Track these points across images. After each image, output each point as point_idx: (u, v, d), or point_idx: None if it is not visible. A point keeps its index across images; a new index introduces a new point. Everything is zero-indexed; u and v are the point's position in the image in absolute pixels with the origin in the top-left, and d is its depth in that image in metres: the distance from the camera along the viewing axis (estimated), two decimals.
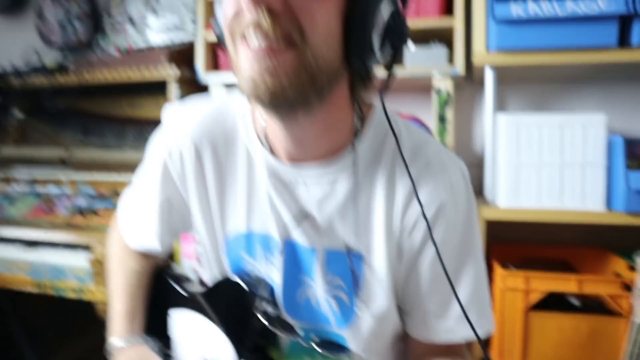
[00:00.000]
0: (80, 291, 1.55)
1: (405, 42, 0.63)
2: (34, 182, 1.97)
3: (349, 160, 0.73)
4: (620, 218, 1.37)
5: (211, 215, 0.81)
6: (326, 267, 0.76)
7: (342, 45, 0.61)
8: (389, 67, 0.65)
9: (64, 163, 2.00)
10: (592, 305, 1.39)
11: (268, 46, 0.58)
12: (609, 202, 1.40)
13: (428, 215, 0.69)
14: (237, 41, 0.61)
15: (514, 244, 1.67)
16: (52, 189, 1.92)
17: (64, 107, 2.00)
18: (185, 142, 0.80)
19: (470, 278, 0.75)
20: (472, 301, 0.75)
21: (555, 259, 1.62)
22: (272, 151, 0.75)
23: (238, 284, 0.78)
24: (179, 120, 0.82)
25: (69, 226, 1.73)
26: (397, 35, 0.62)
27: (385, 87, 0.66)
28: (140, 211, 0.89)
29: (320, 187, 0.74)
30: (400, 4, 0.63)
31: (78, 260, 1.57)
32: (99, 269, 1.53)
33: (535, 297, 1.36)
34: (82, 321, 1.81)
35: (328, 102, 0.65)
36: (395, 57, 0.64)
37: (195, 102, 0.85)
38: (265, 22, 0.57)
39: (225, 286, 0.81)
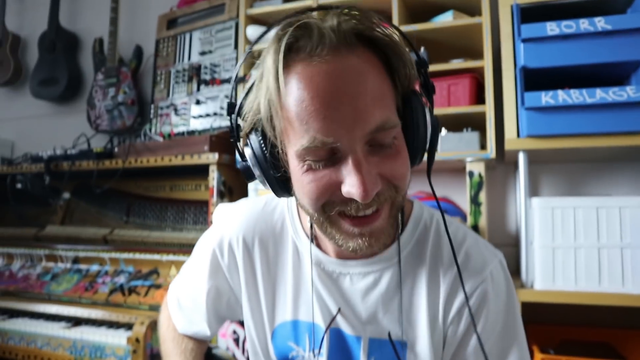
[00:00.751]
0: None
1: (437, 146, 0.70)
2: (77, 260, 2.04)
3: (393, 253, 0.77)
4: None
5: (260, 305, 0.85)
6: (370, 355, 0.78)
7: None
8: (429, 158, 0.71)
9: (106, 242, 2.07)
10: None
11: (372, 212, 0.64)
12: None
13: (471, 305, 0.73)
14: (331, 214, 0.66)
15: (552, 325, 1.64)
16: (94, 267, 1.98)
17: (108, 188, 2.09)
18: (235, 237, 0.85)
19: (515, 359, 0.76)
20: None
21: (597, 341, 1.57)
22: (317, 243, 0.80)
23: None
24: (229, 217, 0.88)
25: (109, 304, 1.77)
26: (434, 135, 0.69)
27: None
28: (189, 299, 0.93)
29: (364, 279, 0.78)
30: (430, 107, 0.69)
31: (117, 339, 1.60)
32: (136, 347, 1.55)
33: None
34: None
35: None
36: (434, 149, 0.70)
37: (244, 200, 0.91)
38: (373, 200, 0.63)
39: None
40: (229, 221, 0.87)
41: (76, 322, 1.76)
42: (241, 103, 0.68)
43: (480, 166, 1.61)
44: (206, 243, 0.90)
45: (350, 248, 0.67)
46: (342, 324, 0.79)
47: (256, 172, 0.68)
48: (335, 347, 0.80)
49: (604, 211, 1.42)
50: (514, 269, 1.66)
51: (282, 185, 0.69)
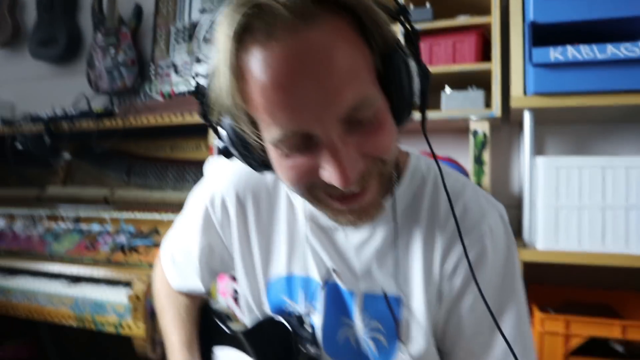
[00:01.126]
0: (120, 326, 1.58)
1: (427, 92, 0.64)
2: (78, 220, 2.04)
3: (388, 207, 0.74)
4: None
5: (253, 260, 0.84)
6: (364, 310, 0.77)
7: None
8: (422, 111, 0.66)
9: (107, 202, 2.07)
10: (637, 353, 1.34)
11: (359, 191, 0.61)
12: None
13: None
14: (317, 194, 0.63)
15: (553, 286, 1.63)
16: (95, 227, 1.98)
17: (108, 149, 2.08)
18: (228, 192, 0.83)
19: (512, 320, 0.74)
20: (515, 343, 0.73)
21: (597, 302, 1.56)
22: None
23: (281, 323, 0.79)
24: (221, 172, 0.86)
25: (110, 262, 1.78)
26: (424, 86, 0.63)
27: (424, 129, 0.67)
28: (182, 256, 0.93)
29: (359, 233, 0.76)
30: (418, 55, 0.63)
31: (118, 296, 1.61)
32: (137, 304, 1.56)
33: (576, 342, 1.32)
34: (120, 356, 1.84)
35: None
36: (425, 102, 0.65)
37: None
38: (357, 183, 0.59)
39: (267, 325, 0.82)
40: (221, 177, 0.85)
41: (78, 280, 1.77)
42: (207, 85, 0.63)
43: (484, 125, 1.58)
44: (198, 199, 0.88)
45: (341, 224, 0.66)
46: (337, 278, 0.78)
47: (234, 153, 0.65)
48: (331, 302, 0.79)
49: (610, 171, 1.39)
50: (516, 230, 1.64)
51: (263, 165, 0.66)
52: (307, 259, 0.79)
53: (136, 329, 1.55)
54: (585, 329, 1.32)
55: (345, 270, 0.77)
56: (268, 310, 0.84)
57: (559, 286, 1.63)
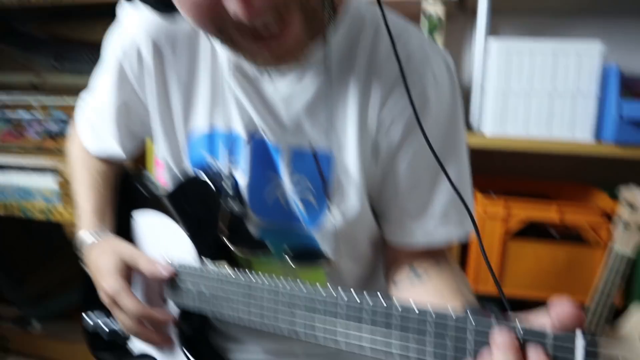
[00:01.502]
0: (49, 212, 1.50)
1: None
2: (3, 107, 1.89)
3: (320, 54, 0.66)
4: (608, 149, 1.33)
5: (172, 115, 0.75)
6: (292, 167, 0.71)
7: None
8: None
9: (35, 88, 1.91)
10: (572, 238, 1.37)
11: (278, 30, 0.52)
12: (599, 134, 1.37)
13: (410, 111, 0.63)
14: (230, 34, 0.53)
15: (497, 175, 1.64)
16: (22, 114, 1.84)
17: (35, 31, 1.89)
18: (143, 40, 0.72)
19: (452, 176, 0.70)
20: (454, 199, 0.70)
21: (538, 192, 1.59)
22: None
23: (201, 180, 0.73)
24: (135, 17, 0.74)
25: (40, 150, 1.67)
26: None
27: None
28: (97, 116, 0.83)
29: (287, 83, 0.68)
30: None
31: (46, 182, 1.52)
32: (66, 189, 1.48)
33: (515, 225, 1.33)
34: (54, 246, 1.78)
35: None
36: None
37: None
38: (272, 18, 0.50)
39: (188, 184, 0.76)
40: (135, 22, 0.73)
41: (3, 168, 1.66)
42: None
43: (438, 9, 1.49)
44: (111, 52, 0.77)
45: (261, 67, 0.59)
46: (262, 132, 0.71)
47: None
48: (256, 158, 0.72)
49: (562, 57, 1.35)
50: (465, 117, 1.62)
51: (167, 7, 0.55)
52: (230, 111, 0.71)
53: (67, 214, 1.48)
54: (524, 211, 1.33)
55: (273, 123, 0.70)
56: (189, 169, 0.77)
57: (502, 176, 1.64)
